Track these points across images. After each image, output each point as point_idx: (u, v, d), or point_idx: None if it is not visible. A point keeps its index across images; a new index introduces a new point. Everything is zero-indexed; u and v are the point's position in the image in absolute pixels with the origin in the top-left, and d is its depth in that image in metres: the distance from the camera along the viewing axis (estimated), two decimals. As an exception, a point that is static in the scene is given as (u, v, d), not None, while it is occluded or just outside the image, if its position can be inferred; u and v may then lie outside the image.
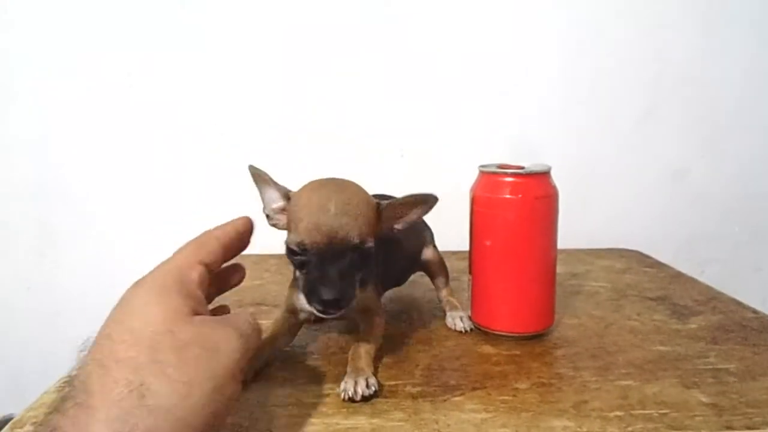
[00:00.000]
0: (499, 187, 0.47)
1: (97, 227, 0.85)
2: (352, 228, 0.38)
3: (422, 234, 0.57)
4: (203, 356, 0.27)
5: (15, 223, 0.85)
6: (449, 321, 0.53)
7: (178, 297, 0.29)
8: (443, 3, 0.82)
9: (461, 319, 0.52)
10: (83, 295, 0.85)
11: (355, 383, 0.39)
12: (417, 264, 0.57)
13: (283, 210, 0.43)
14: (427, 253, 0.57)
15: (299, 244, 0.38)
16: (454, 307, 0.55)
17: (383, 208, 0.42)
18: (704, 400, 0.39)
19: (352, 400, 0.39)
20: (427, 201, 0.43)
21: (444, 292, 0.57)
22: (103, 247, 0.86)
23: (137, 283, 0.31)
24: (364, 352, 0.43)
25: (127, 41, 0.81)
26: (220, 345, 0.28)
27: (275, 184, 0.44)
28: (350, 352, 0.43)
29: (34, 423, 0.36)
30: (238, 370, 0.29)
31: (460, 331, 0.52)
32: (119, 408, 0.24)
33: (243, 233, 0.36)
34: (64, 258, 0.86)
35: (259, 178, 0.44)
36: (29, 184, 0.84)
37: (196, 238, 0.35)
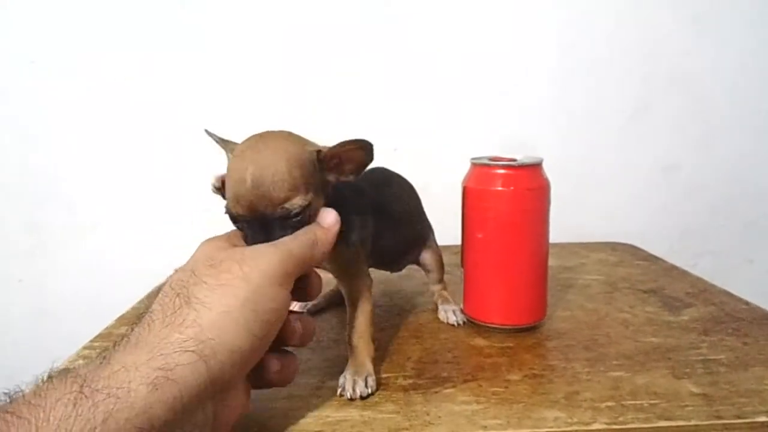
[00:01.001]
0: (491, 179, 0.47)
1: (88, 226, 0.85)
2: (273, 197, 0.36)
3: (425, 231, 0.57)
4: (235, 266, 0.32)
5: (6, 221, 0.84)
6: (442, 314, 0.53)
7: (221, 238, 0.36)
8: (440, 3, 0.82)
9: (454, 313, 0.52)
10: (74, 294, 0.85)
11: (354, 382, 0.39)
12: (413, 256, 0.56)
13: None
14: (427, 252, 0.57)
15: (229, 214, 0.38)
16: (446, 301, 0.55)
17: (323, 156, 0.39)
18: (695, 390, 0.39)
19: (348, 398, 0.39)
20: (365, 145, 0.39)
21: (437, 287, 0.57)
22: (94, 245, 0.85)
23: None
24: (361, 340, 0.42)
25: (122, 41, 0.81)
26: (256, 256, 0.33)
27: (223, 142, 0.42)
28: (347, 337, 0.42)
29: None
30: (278, 275, 0.33)
31: (453, 325, 0.52)
32: (173, 311, 0.30)
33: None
34: (55, 256, 0.85)
35: (216, 141, 0.43)
36: (20, 183, 0.84)
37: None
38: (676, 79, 0.86)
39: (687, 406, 0.37)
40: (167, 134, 0.82)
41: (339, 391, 0.39)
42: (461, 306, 0.52)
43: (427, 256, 0.57)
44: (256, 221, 0.36)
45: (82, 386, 0.25)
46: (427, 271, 0.57)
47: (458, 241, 0.52)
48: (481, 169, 0.48)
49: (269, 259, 0.33)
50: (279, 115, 0.81)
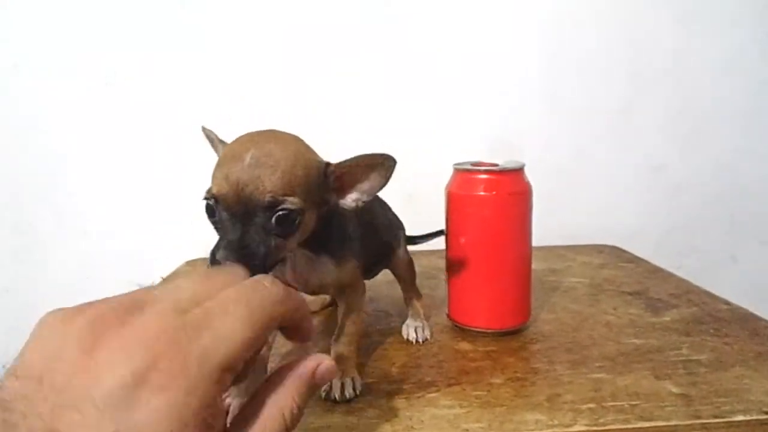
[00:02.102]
0: (473, 184, 0.48)
1: (75, 229, 0.85)
2: (266, 183, 0.32)
3: (397, 231, 0.55)
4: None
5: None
6: (404, 330, 0.51)
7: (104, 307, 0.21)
8: (430, 5, 0.82)
9: (415, 330, 0.50)
10: (61, 298, 0.83)
11: (342, 384, 0.39)
12: (388, 259, 0.53)
13: None
14: (399, 253, 0.53)
15: (207, 194, 0.34)
16: (415, 314, 0.53)
17: (332, 170, 0.36)
18: (675, 390, 0.39)
19: (333, 399, 0.39)
20: (384, 162, 0.36)
21: (410, 294, 0.55)
22: (81, 249, 0.85)
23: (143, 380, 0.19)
24: (349, 348, 0.42)
25: (120, 41, 0.81)
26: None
27: (220, 142, 0.40)
28: (332, 341, 0.42)
29: None
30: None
31: (412, 342, 0.49)
32: None
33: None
34: (41, 260, 0.85)
35: (210, 140, 0.41)
36: (6, 185, 0.83)
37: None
38: (662, 79, 0.87)
39: (667, 406, 0.37)
40: (161, 137, 0.82)
41: (324, 393, 0.39)
42: (446, 311, 0.53)
43: (397, 264, 0.54)
44: (236, 211, 0.32)
45: None
46: (398, 279, 0.55)
47: (443, 246, 0.52)
48: (464, 174, 0.49)
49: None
50: (278, 115, 0.80)
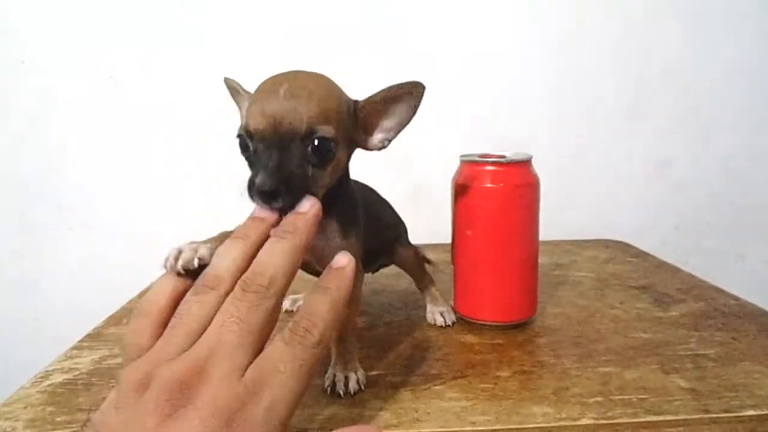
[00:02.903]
0: (480, 176, 0.47)
1: (78, 227, 0.85)
2: (302, 112, 0.32)
3: (399, 227, 0.54)
4: None
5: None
6: (429, 316, 0.52)
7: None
8: (438, 3, 0.82)
9: (442, 314, 0.51)
10: (64, 296, 0.85)
11: (347, 378, 0.39)
12: (389, 255, 0.53)
13: None
14: (401, 253, 0.53)
15: (244, 131, 0.34)
16: (434, 300, 0.53)
17: (361, 106, 0.37)
18: (683, 385, 0.39)
19: (338, 394, 0.38)
20: (413, 90, 0.36)
21: (424, 283, 0.55)
22: (84, 247, 0.85)
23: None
24: (349, 336, 0.41)
25: (120, 40, 0.81)
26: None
27: (244, 91, 0.40)
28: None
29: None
30: None
31: (441, 326, 0.51)
32: None
33: None
34: (44, 258, 0.85)
35: (233, 90, 0.41)
36: (10, 183, 0.83)
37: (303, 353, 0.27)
38: (669, 76, 0.86)
39: (675, 400, 0.37)
40: (164, 133, 0.82)
41: (327, 387, 0.39)
42: (451, 304, 0.52)
43: (402, 259, 0.53)
44: (275, 141, 0.32)
45: None
46: (408, 269, 0.54)
47: (449, 239, 0.52)
48: (471, 166, 0.48)
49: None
50: None
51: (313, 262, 0.39)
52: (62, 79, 0.81)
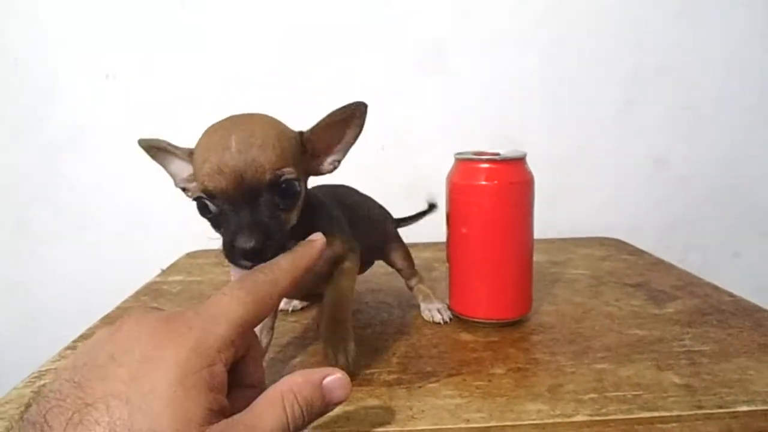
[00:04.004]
0: (475, 173, 0.47)
1: (75, 226, 0.84)
2: (262, 162, 0.32)
3: (387, 222, 0.54)
4: (115, 403, 0.23)
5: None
6: (426, 314, 0.52)
7: (199, 403, 0.24)
8: (432, 1, 0.82)
9: (439, 311, 0.51)
10: (61, 295, 0.84)
11: (335, 352, 0.38)
12: (380, 251, 0.53)
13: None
14: (392, 249, 0.54)
15: (204, 192, 0.32)
16: (428, 298, 0.53)
17: (307, 137, 0.36)
18: (678, 381, 0.39)
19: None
20: (355, 111, 0.36)
21: (414, 280, 0.55)
22: (81, 246, 0.84)
23: (155, 337, 0.25)
24: (339, 314, 0.40)
25: (119, 40, 0.81)
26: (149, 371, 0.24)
27: (176, 148, 0.38)
28: (321, 329, 0.40)
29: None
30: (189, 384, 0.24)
31: (439, 323, 0.51)
32: None
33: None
34: (39, 258, 0.85)
35: (155, 150, 0.39)
36: (6, 181, 0.83)
37: (254, 287, 0.29)
38: (665, 72, 0.86)
39: (669, 396, 0.37)
40: (158, 135, 0.82)
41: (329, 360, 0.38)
42: (446, 302, 0.52)
43: (392, 255, 0.54)
44: (240, 198, 0.32)
45: None
46: (398, 265, 0.55)
47: (443, 239, 0.52)
48: (465, 163, 0.48)
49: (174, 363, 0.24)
50: (279, 111, 0.79)
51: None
52: (57, 78, 0.81)
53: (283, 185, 0.33)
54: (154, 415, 0.23)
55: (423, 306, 0.53)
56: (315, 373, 0.29)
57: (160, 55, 0.81)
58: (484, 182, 0.47)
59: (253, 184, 0.32)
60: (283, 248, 0.32)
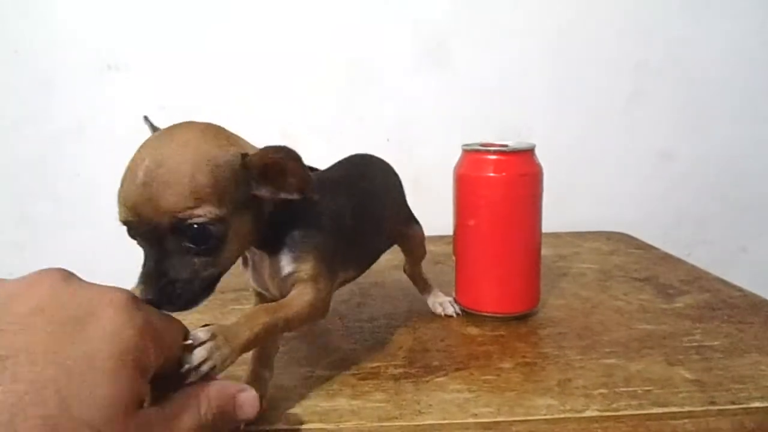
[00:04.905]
0: (482, 165, 0.46)
1: (77, 218, 0.84)
2: (161, 201, 0.27)
3: (400, 209, 0.50)
4: None
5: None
6: (438, 309, 0.50)
7: (131, 388, 0.23)
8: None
9: (450, 304, 0.50)
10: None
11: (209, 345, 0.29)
12: (393, 241, 0.49)
13: None
14: (412, 229, 0.50)
15: (119, 221, 0.30)
16: (431, 290, 0.52)
17: (250, 160, 0.30)
18: (689, 376, 0.38)
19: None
20: (286, 157, 0.30)
21: (416, 269, 0.52)
22: (83, 238, 0.84)
23: (100, 304, 0.24)
24: (263, 313, 0.32)
25: (118, 37, 0.80)
26: None
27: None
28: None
29: None
30: None
31: (451, 316, 0.50)
32: None
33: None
34: (44, 250, 0.84)
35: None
36: (7, 175, 0.82)
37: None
38: (670, 67, 0.85)
39: (681, 392, 0.36)
40: (161, 126, 0.81)
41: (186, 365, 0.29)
42: (453, 295, 0.52)
43: (408, 239, 0.50)
44: (146, 236, 0.28)
45: None
46: (409, 251, 0.51)
47: (451, 230, 0.51)
48: (473, 155, 0.48)
49: None
50: (279, 109, 0.79)
51: (277, 296, 0.36)
52: (59, 69, 0.80)
53: (192, 229, 0.28)
54: (91, 385, 0.21)
55: (430, 299, 0.52)
56: (231, 386, 0.28)
57: (163, 46, 0.80)
58: (492, 174, 0.46)
59: (150, 224, 0.28)
60: (192, 302, 0.29)
